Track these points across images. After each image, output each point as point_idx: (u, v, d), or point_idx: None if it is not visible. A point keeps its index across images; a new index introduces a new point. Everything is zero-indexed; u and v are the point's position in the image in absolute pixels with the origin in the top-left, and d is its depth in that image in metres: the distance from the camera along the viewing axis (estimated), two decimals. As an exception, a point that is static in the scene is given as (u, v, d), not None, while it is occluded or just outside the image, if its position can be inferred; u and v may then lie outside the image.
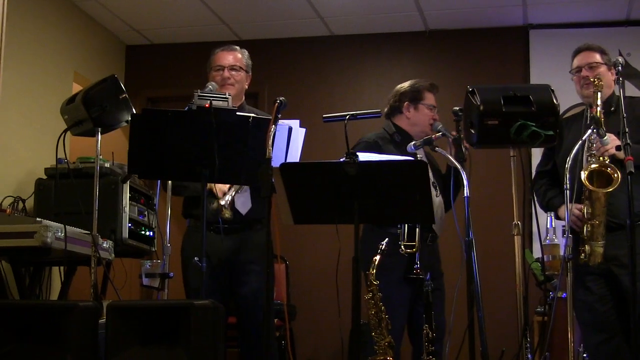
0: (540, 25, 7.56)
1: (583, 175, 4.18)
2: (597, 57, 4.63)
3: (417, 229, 4.55)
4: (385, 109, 5.01)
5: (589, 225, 4.28)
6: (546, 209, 4.80)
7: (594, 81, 4.38)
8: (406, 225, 4.55)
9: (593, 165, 4.20)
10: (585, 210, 4.29)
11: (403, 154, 4.68)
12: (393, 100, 5.00)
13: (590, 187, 4.19)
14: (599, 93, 4.31)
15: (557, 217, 4.69)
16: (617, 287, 4.36)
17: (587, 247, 4.29)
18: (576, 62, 4.69)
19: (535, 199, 4.84)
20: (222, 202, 4.41)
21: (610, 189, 4.17)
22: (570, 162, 4.22)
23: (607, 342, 4.41)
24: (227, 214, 4.41)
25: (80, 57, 7.39)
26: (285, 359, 6.19)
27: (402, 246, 4.54)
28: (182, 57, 8.06)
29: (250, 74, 4.89)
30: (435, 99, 5.01)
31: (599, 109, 4.27)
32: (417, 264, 4.60)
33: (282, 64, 8.05)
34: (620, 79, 4.26)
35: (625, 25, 7.37)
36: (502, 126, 4.03)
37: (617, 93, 4.52)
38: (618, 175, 4.13)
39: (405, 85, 5.02)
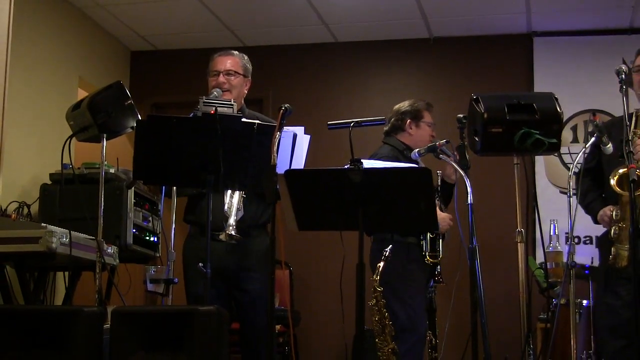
0: (544, 33, 7.57)
1: (612, 180, 4.17)
2: None
3: (440, 240, 4.71)
4: (386, 128, 5.21)
5: (617, 228, 4.27)
6: (585, 210, 4.72)
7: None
8: (428, 236, 4.70)
9: (621, 171, 4.17)
10: (614, 213, 4.28)
11: None
12: (395, 119, 5.18)
13: (619, 190, 4.18)
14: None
15: (595, 222, 4.59)
16: None
17: (613, 249, 4.29)
18: (639, 60, 4.55)
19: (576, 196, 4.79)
20: (232, 232, 4.33)
21: (638, 192, 4.13)
22: (576, 168, 4.23)
23: (626, 348, 4.35)
24: (237, 238, 4.35)
25: (85, 63, 7.41)
26: (288, 365, 6.20)
27: (428, 256, 4.77)
28: (187, 63, 8.07)
29: (249, 78, 4.83)
30: (431, 117, 5.21)
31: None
32: (438, 271, 4.75)
33: (287, 71, 8.07)
34: (624, 87, 4.25)
35: (629, 33, 7.37)
36: (506, 134, 4.05)
37: None
38: None
39: (405, 104, 5.21)
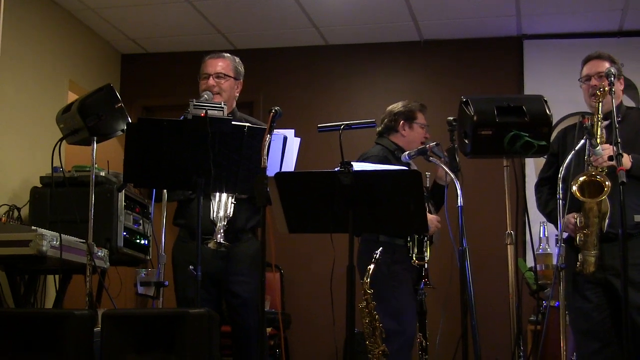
0: (534, 36, 7.59)
1: (574, 187, 4.19)
2: (607, 66, 4.54)
3: (427, 242, 4.71)
4: (379, 128, 5.18)
5: (582, 235, 4.29)
6: (548, 219, 4.79)
7: (599, 91, 4.33)
8: (415, 238, 4.69)
9: (581, 178, 4.20)
10: (578, 220, 4.31)
11: None
12: (388, 120, 5.16)
13: (581, 197, 4.20)
14: (601, 103, 4.30)
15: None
16: (613, 297, 4.36)
17: (579, 256, 4.32)
18: (585, 70, 4.63)
19: (537, 205, 4.84)
20: (221, 240, 4.28)
21: (600, 199, 4.18)
22: (563, 172, 4.24)
23: (601, 350, 4.40)
24: (226, 245, 4.31)
25: (76, 65, 7.40)
26: (279, 368, 6.20)
27: (415, 258, 4.70)
28: (178, 66, 8.07)
29: (240, 80, 4.80)
30: (425, 119, 5.16)
31: (599, 118, 4.28)
32: (426, 274, 4.75)
33: (277, 73, 8.07)
34: (613, 89, 4.27)
35: (618, 36, 7.40)
36: (496, 136, 4.06)
37: (623, 103, 4.56)
38: (609, 184, 4.14)
39: (399, 105, 5.18)
